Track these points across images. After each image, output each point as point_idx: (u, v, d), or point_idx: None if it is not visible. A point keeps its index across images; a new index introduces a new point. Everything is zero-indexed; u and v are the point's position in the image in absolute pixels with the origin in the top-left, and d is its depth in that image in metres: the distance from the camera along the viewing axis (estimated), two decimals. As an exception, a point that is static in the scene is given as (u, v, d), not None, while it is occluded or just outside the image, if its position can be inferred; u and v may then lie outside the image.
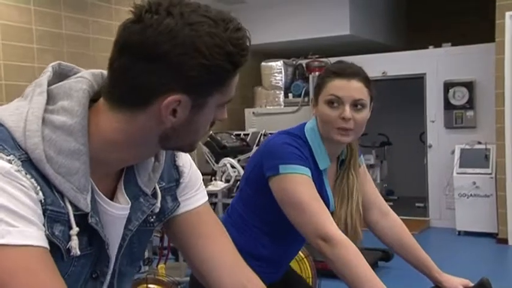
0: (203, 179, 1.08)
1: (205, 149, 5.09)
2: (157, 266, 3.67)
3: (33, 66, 4.85)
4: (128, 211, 0.90)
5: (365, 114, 1.48)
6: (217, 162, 4.84)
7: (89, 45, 5.38)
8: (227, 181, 4.62)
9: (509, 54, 5.32)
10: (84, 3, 5.34)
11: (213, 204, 4.25)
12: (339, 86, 1.46)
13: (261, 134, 6.00)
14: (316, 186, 1.45)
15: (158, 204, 0.94)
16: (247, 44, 0.80)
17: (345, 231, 1.49)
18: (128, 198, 0.90)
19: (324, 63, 6.81)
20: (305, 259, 2.55)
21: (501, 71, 5.36)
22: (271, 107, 6.98)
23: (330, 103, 1.47)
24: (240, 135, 5.83)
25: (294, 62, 7.03)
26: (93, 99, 0.83)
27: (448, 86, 6.22)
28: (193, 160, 1.06)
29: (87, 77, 0.84)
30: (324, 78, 1.51)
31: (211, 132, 4.70)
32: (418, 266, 1.60)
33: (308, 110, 6.49)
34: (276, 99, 6.99)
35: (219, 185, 4.45)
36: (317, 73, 6.69)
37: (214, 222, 1.03)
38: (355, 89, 1.46)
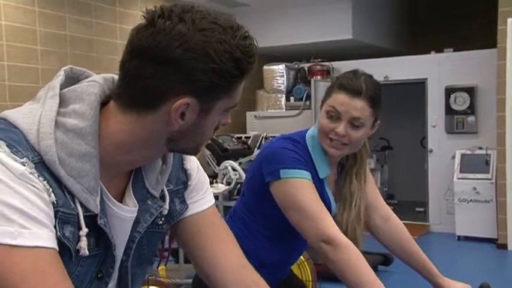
0: (204, 182, 1.10)
1: (207, 152, 5.11)
2: (157, 267, 3.68)
3: (37, 67, 4.87)
4: (136, 213, 0.92)
5: (362, 133, 1.47)
6: (218, 164, 4.86)
7: (92, 47, 5.41)
8: (228, 184, 4.64)
9: (511, 60, 5.33)
10: (88, 5, 5.37)
11: (214, 207, 4.24)
12: (340, 101, 1.45)
13: (262, 137, 6.02)
14: (317, 192, 1.45)
15: (166, 207, 0.96)
16: (255, 51, 0.83)
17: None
18: (135, 201, 0.92)
19: (326, 67, 6.83)
20: (305, 262, 2.57)
21: (503, 77, 5.38)
22: (272, 111, 6.99)
23: (329, 114, 1.47)
24: (241, 138, 5.85)
25: (296, 66, 7.04)
26: (103, 103, 0.86)
27: (449, 91, 6.23)
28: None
29: (99, 81, 0.87)
30: (332, 87, 1.50)
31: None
32: (419, 270, 1.60)
33: (309, 113, 6.51)
34: (278, 103, 7.01)
35: (220, 188, 4.47)
36: (319, 77, 6.72)
37: (221, 224, 1.05)
38: (355, 107, 1.44)
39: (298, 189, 1.42)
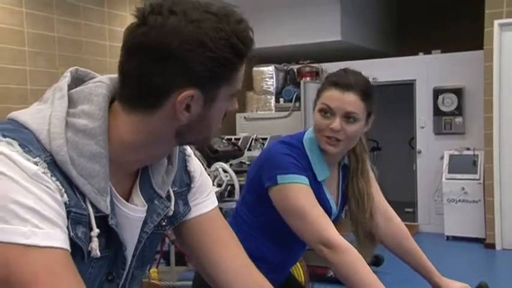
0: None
1: (197, 153, 5.09)
2: (149, 270, 3.67)
3: (24, 69, 4.83)
4: (145, 213, 0.91)
5: (356, 127, 1.47)
6: (209, 166, 4.84)
7: (81, 48, 5.38)
8: (219, 185, 4.62)
9: (498, 61, 5.39)
10: (77, 6, 5.33)
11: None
12: (332, 97, 1.46)
13: (252, 139, 6.02)
14: (316, 196, 1.46)
15: (172, 207, 0.95)
16: (251, 34, 0.83)
17: (361, 238, 1.52)
18: (143, 201, 0.91)
19: (315, 69, 6.86)
20: (298, 264, 2.57)
21: (490, 78, 5.44)
22: (262, 112, 7.00)
23: (323, 112, 1.48)
24: (231, 139, 5.85)
25: (285, 67, 7.06)
26: (110, 103, 0.85)
27: (437, 92, 6.29)
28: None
29: (106, 81, 0.86)
30: (323, 85, 1.52)
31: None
32: (419, 270, 1.62)
33: (299, 115, 6.52)
34: (267, 104, 7.02)
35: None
36: (308, 78, 6.74)
37: (224, 226, 1.04)
38: (348, 101, 1.45)
39: (296, 194, 1.43)
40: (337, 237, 1.37)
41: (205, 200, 1.03)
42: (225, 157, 4.74)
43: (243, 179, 4.80)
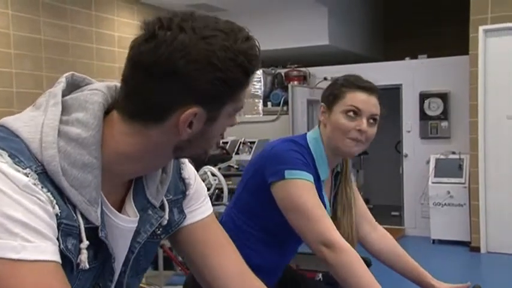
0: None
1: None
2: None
3: (10, 71, 4.78)
4: (136, 224, 0.90)
5: (375, 129, 1.54)
6: (197, 170, 4.83)
7: (68, 51, 5.34)
8: (208, 189, 4.62)
9: (483, 67, 5.47)
10: (64, 9, 5.30)
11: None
12: (360, 99, 1.50)
13: (240, 142, 6.02)
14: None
15: (166, 217, 0.94)
16: (258, 53, 0.82)
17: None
18: (136, 211, 0.90)
19: (302, 73, 6.88)
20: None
21: (475, 83, 5.50)
22: (250, 116, 7.00)
23: (348, 113, 1.50)
24: (219, 143, 5.84)
25: (273, 71, 7.07)
26: (106, 112, 0.84)
27: (423, 97, 6.35)
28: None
29: (102, 90, 0.85)
30: (343, 88, 1.53)
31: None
32: (409, 275, 1.63)
33: (287, 119, 6.54)
34: (255, 108, 7.02)
35: (198, 193, 4.42)
36: (296, 82, 6.76)
37: (220, 232, 1.04)
38: (373, 104, 1.52)
39: (302, 190, 1.43)
40: (338, 238, 1.38)
41: (200, 207, 1.02)
42: (214, 161, 4.74)
43: (231, 182, 4.80)
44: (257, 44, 0.82)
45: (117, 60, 5.88)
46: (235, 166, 5.14)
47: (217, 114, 0.83)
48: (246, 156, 5.67)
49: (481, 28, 5.43)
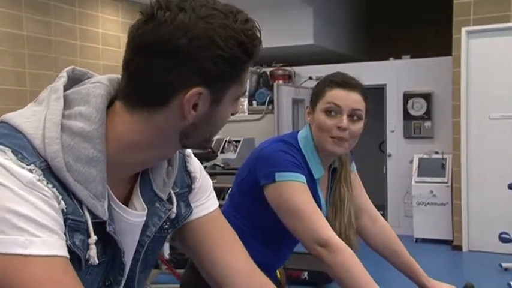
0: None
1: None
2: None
3: (-8, 67, 4.71)
4: (145, 217, 0.89)
5: (360, 126, 1.50)
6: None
7: (51, 47, 5.27)
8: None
9: (465, 68, 5.53)
10: (47, 4, 5.23)
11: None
12: (338, 96, 1.48)
13: (226, 141, 6.01)
14: (311, 194, 1.45)
15: (174, 210, 0.93)
16: (258, 34, 0.82)
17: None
18: (144, 204, 0.88)
19: (287, 72, 6.90)
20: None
21: (458, 84, 5.57)
22: (235, 114, 6.99)
23: (328, 111, 1.48)
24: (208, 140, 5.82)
25: (259, 70, 7.07)
26: (108, 104, 0.82)
27: (407, 97, 6.41)
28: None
29: (104, 82, 0.83)
30: (324, 86, 1.51)
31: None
32: (406, 271, 1.63)
33: (272, 117, 6.54)
34: (240, 107, 7.02)
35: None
36: (281, 81, 6.77)
37: (226, 228, 1.02)
38: (353, 99, 1.48)
39: (294, 192, 1.42)
40: (333, 237, 1.36)
41: (206, 201, 1.00)
42: (199, 160, 4.73)
43: (216, 181, 4.78)
44: (257, 25, 0.82)
45: (101, 58, 5.82)
46: (221, 165, 5.13)
47: (221, 97, 0.81)
48: (232, 155, 5.67)
49: (463, 29, 5.49)
